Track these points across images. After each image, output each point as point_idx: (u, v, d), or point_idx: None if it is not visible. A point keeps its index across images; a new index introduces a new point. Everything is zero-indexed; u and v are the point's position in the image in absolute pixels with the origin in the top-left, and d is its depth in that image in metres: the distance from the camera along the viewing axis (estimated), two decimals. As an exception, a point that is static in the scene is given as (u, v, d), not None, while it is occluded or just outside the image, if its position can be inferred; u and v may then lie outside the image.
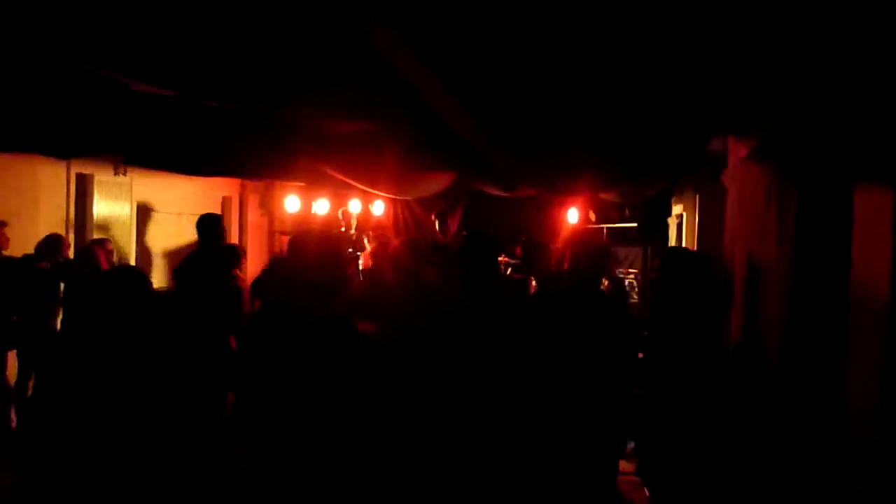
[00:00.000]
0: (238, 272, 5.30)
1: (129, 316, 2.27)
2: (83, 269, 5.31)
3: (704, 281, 3.57)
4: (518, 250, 6.94)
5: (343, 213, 8.94)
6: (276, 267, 4.57)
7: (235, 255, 5.31)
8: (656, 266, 4.29)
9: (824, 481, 2.59)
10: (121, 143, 5.25)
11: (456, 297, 3.40)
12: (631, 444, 4.42)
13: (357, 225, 8.94)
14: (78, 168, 6.70)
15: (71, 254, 5.96)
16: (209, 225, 5.16)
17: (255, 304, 5.58)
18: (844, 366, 2.48)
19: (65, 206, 6.64)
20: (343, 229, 8.69)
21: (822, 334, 2.73)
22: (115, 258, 5.80)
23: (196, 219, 5.19)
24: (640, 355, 3.99)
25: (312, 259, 3.89)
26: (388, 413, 2.56)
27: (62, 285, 5.55)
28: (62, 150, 5.33)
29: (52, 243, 5.60)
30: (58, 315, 5.58)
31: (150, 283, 2.49)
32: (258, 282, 4.43)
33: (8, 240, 5.46)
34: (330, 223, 8.91)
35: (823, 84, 2.52)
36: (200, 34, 3.41)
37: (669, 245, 7.74)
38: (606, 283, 7.19)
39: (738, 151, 4.18)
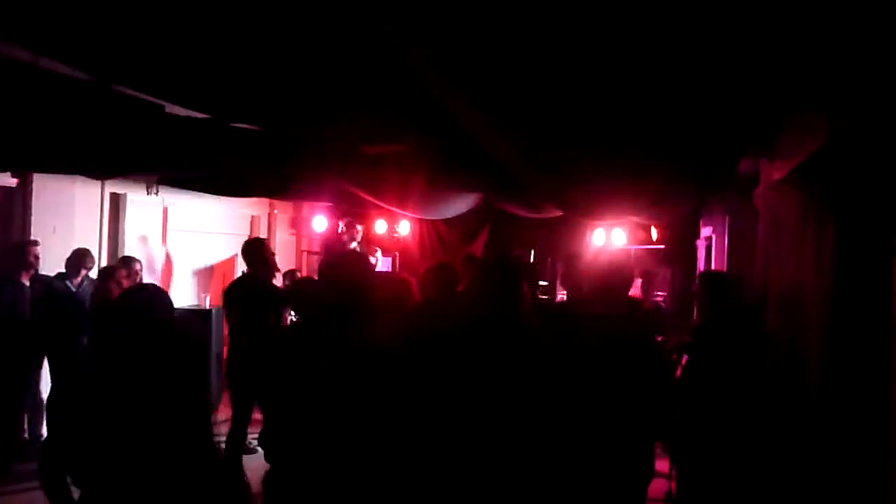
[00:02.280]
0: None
1: (146, 335, 2.27)
2: (102, 288, 5.36)
3: (742, 305, 3.51)
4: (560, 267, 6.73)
5: (347, 226, 8.63)
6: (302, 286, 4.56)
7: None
8: (696, 289, 4.23)
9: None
10: (155, 165, 5.35)
11: (470, 319, 3.33)
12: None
13: (362, 240, 8.71)
14: (112, 187, 6.85)
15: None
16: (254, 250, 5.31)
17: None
18: (886, 395, 2.40)
19: (98, 223, 6.78)
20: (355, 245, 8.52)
21: (861, 363, 2.66)
22: (139, 277, 5.82)
23: (225, 238, 5.25)
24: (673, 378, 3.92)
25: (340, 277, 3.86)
26: (404, 440, 2.53)
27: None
28: (100, 171, 5.45)
29: (79, 258, 5.69)
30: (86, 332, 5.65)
31: (169, 302, 2.46)
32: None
33: (38, 258, 5.55)
34: (333, 239, 8.76)
35: (865, 109, 2.47)
36: (231, 57, 3.47)
37: (699, 267, 7.64)
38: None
39: (770, 174, 4.13)
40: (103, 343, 4.67)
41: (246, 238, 9.02)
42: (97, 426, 2.15)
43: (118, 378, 2.23)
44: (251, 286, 5.30)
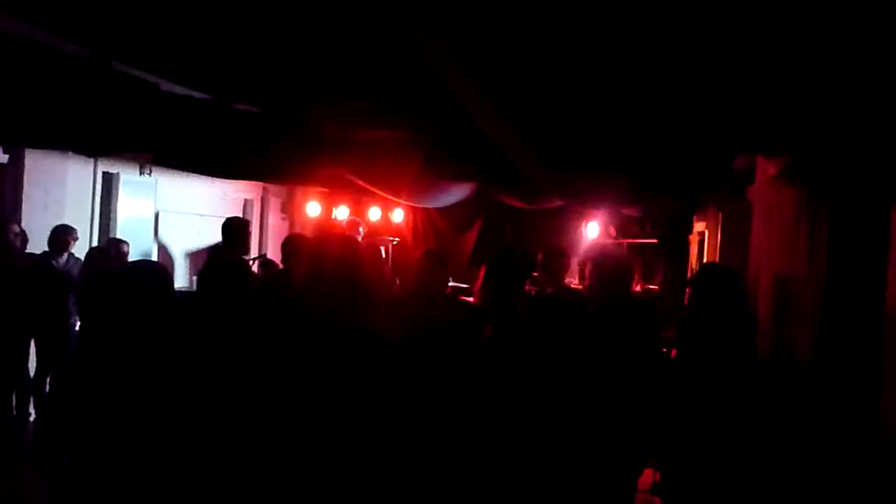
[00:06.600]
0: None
1: (148, 310, 2.25)
2: (97, 267, 5.30)
3: (739, 297, 3.51)
4: (539, 256, 6.78)
5: (350, 223, 8.81)
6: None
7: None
8: (692, 281, 4.23)
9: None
10: (149, 143, 5.30)
11: (474, 307, 3.38)
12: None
13: (367, 233, 8.76)
14: (104, 167, 6.78)
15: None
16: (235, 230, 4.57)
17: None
18: (877, 389, 2.43)
19: (90, 203, 6.72)
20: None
21: (853, 356, 2.68)
22: (127, 259, 5.75)
23: (218, 220, 5.13)
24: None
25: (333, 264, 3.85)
26: (399, 427, 2.52)
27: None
28: (92, 148, 5.39)
29: (59, 234, 5.58)
30: (75, 311, 5.59)
31: (171, 278, 2.45)
32: None
33: (17, 236, 5.41)
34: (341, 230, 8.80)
35: (859, 104, 2.48)
36: (230, 37, 3.44)
37: (692, 262, 7.68)
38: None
39: (766, 170, 4.14)
40: (95, 319, 4.63)
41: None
42: (92, 404, 2.14)
43: (112, 356, 2.21)
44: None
